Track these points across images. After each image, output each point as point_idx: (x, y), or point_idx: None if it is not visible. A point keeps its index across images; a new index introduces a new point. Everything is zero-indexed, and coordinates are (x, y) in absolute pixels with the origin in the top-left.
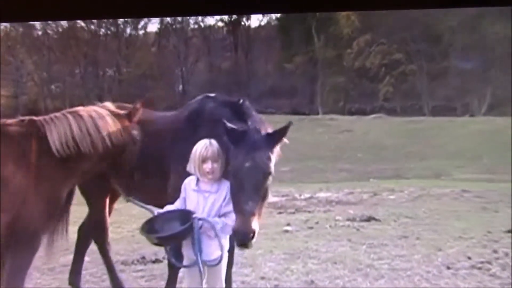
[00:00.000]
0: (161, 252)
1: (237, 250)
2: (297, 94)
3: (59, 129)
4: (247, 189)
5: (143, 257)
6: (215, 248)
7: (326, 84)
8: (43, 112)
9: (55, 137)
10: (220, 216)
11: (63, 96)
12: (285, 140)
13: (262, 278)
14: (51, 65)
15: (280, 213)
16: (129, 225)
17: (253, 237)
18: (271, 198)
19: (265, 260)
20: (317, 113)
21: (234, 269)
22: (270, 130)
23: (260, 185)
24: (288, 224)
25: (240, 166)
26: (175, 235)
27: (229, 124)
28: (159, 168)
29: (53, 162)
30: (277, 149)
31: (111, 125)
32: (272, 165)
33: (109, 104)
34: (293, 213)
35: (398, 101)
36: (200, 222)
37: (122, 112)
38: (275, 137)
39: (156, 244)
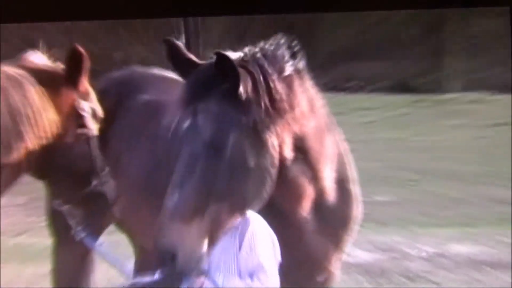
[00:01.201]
0: None
1: None
2: (406, 56)
3: None
4: (177, 170)
5: None
6: None
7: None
8: None
9: None
10: (241, 273)
11: None
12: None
13: None
14: None
15: (376, 284)
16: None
17: (173, 258)
18: (356, 256)
19: None
20: (446, 90)
21: None
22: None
23: (198, 164)
24: None
25: (176, 129)
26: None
27: (176, 43)
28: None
29: None
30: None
31: (38, 106)
32: (234, 133)
33: (36, 56)
34: (404, 284)
35: None
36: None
37: (58, 69)
38: (234, 74)
39: None
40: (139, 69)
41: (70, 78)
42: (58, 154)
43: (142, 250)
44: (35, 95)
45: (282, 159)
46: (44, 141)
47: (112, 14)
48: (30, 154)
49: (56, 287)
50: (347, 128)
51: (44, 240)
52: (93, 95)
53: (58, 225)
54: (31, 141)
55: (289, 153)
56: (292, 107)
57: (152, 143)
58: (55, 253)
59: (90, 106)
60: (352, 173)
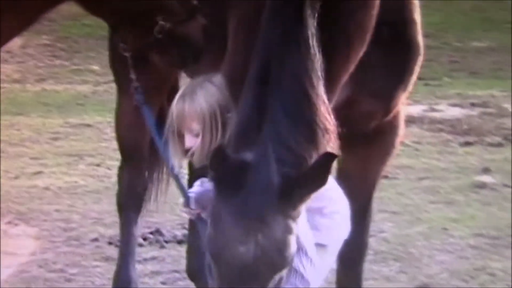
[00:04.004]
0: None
1: None
2: None
3: None
4: None
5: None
6: None
7: None
8: None
9: None
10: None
11: None
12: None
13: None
14: None
15: (466, 143)
16: None
17: None
18: (441, 110)
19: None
20: None
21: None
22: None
23: None
24: (487, 170)
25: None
26: None
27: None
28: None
29: None
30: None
31: None
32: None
33: None
34: (499, 144)
35: None
36: None
37: None
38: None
39: None
40: None
41: None
42: None
43: None
44: None
45: None
46: None
47: None
48: None
49: (117, 138)
50: None
51: (74, 87)
52: None
53: (120, 69)
54: None
55: None
56: None
57: None
58: (117, 101)
59: None
60: (414, 14)
